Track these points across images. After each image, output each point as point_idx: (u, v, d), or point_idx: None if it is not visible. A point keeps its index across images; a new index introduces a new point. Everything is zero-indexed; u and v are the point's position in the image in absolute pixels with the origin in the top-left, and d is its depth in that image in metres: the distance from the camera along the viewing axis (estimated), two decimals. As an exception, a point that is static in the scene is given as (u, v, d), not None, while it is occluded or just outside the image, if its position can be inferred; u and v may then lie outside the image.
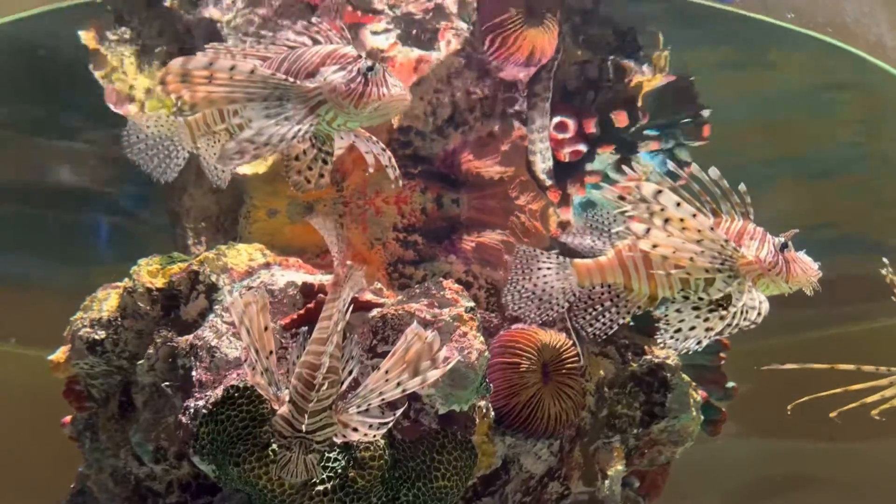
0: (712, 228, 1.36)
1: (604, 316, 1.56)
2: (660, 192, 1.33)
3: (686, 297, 1.45)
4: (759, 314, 1.38)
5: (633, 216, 1.37)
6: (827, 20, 1.63)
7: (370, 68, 1.37)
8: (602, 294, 1.55)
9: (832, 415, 1.59)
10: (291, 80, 1.36)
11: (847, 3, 1.66)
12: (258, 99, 1.34)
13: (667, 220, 1.35)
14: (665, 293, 1.47)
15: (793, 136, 2.31)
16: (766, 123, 2.26)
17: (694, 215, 1.35)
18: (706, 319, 1.41)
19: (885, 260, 1.57)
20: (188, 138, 1.57)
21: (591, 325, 1.56)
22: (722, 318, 1.40)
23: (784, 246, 1.42)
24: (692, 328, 1.42)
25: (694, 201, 1.40)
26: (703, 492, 3.19)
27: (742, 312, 1.38)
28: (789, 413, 1.60)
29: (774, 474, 3.18)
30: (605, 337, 1.58)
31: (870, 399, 1.58)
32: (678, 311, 1.45)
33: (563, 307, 1.58)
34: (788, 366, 1.54)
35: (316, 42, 1.43)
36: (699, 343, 1.42)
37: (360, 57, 1.39)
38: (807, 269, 1.43)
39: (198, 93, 1.30)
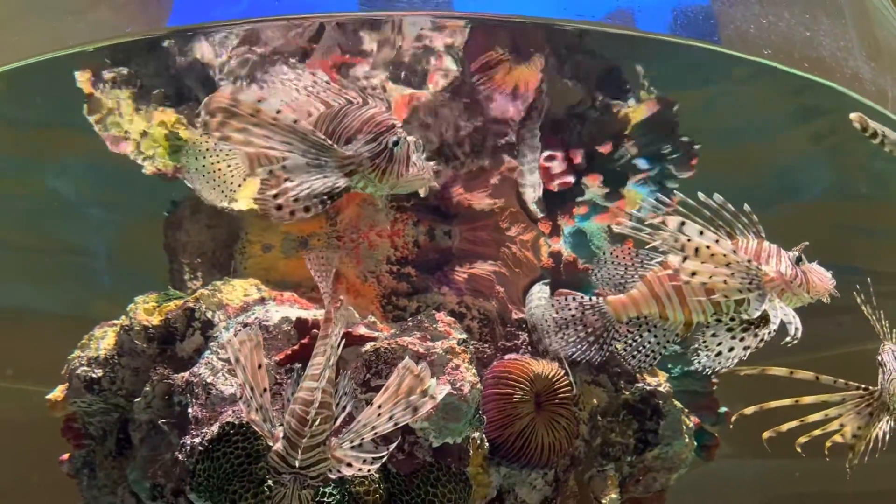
0: (734, 251, 1.42)
1: (644, 347, 1.61)
2: (683, 223, 1.40)
3: (719, 321, 1.51)
4: (796, 328, 1.43)
5: (665, 249, 1.43)
6: (803, 55, 1.68)
7: (395, 143, 1.42)
8: (640, 326, 1.60)
9: (800, 442, 1.61)
10: (330, 143, 1.41)
11: (823, 38, 1.71)
12: (297, 153, 1.37)
13: (696, 250, 1.40)
14: (699, 318, 1.52)
15: (762, 164, 2.38)
16: (739, 152, 2.32)
17: (717, 241, 1.41)
18: (742, 339, 1.45)
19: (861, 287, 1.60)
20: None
21: (633, 358, 1.62)
22: (756, 335, 1.45)
23: (799, 259, 1.49)
24: (731, 349, 1.47)
25: (707, 227, 1.46)
26: None
27: (775, 328, 1.43)
28: (765, 439, 1.61)
29: (782, 494, 3.17)
30: (650, 368, 1.64)
31: (824, 426, 1.60)
32: (714, 335, 1.49)
33: (609, 345, 1.62)
34: (746, 370, 1.56)
35: (363, 99, 1.48)
36: (736, 360, 1.48)
37: (393, 126, 1.44)
38: (823, 279, 1.50)
39: (238, 130, 1.32)
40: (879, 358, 1.60)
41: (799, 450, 1.61)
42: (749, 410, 1.62)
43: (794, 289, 1.46)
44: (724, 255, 1.41)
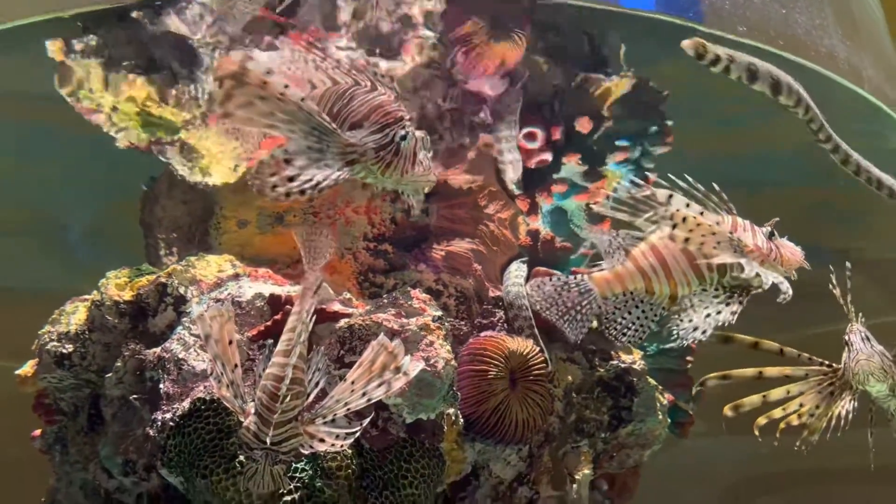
0: (718, 223, 1.45)
1: (634, 323, 1.62)
2: (671, 195, 1.42)
3: (704, 291, 1.53)
4: (787, 287, 1.46)
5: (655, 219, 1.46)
6: (778, 33, 1.67)
7: (404, 137, 1.36)
8: (627, 302, 1.60)
9: (759, 423, 1.62)
10: (335, 127, 1.34)
11: (799, 15, 1.70)
12: (299, 134, 1.31)
13: (683, 220, 1.43)
14: (684, 291, 1.54)
15: (735, 144, 2.39)
16: (712, 132, 2.32)
17: (701, 213, 1.44)
18: (728, 305, 1.47)
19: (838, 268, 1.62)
20: None
21: (623, 335, 1.62)
22: (741, 303, 1.48)
23: (771, 234, 1.52)
24: (707, 317, 1.49)
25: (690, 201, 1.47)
26: (694, 493, 3.24)
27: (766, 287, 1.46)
28: (727, 417, 1.63)
29: (765, 472, 3.22)
30: (639, 343, 1.65)
31: (784, 405, 1.62)
32: (700, 301, 1.51)
33: (591, 322, 1.64)
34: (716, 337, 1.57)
35: (371, 83, 1.40)
36: (719, 326, 1.50)
37: (402, 119, 1.37)
38: (795, 253, 1.53)
39: (243, 105, 1.25)
40: (847, 337, 1.62)
41: (756, 432, 1.62)
42: (712, 379, 1.63)
43: (769, 262, 1.48)
44: (710, 227, 1.43)
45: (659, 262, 1.53)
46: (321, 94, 1.40)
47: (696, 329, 1.51)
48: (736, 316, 1.48)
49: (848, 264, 1.63)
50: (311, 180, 1.33)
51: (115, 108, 2.00)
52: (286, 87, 1.27)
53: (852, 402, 1.57)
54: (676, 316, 1.53)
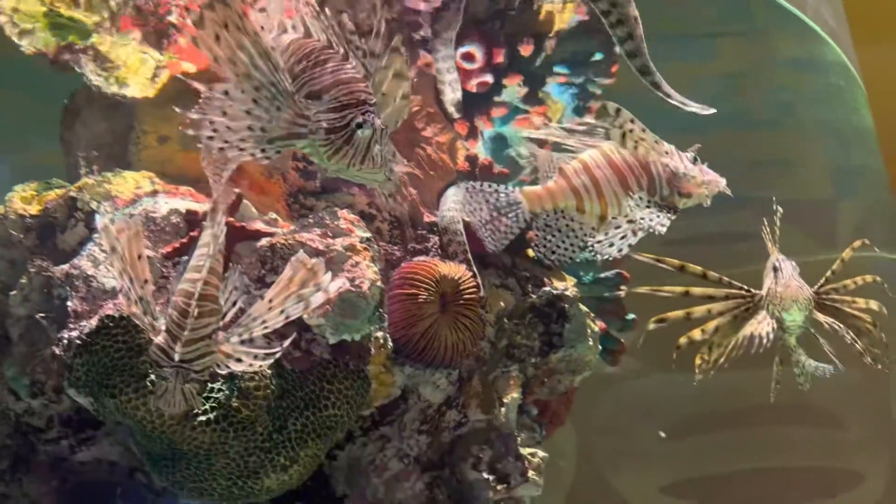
0: (657, 142, 1.48)
1: (563, 242, 1.60)
2: (619, 109, 1.44)
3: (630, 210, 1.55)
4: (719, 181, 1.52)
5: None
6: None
7: (360, 125, 1.19)
8: (557, 220, 1.58)
9: (680, 342, 1.64)
10: (293, 91, 1.18)
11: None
12: (250, 84, 1.15)
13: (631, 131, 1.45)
14: (614, 211, 1.54)
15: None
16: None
17: (643, 130, 1.46)
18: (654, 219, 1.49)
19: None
20: None
21: (552, 254, 1.60)
22: (667, 215, 1.52)
23: (694, 160, 1.54)
24: (623, 236, 1.49)
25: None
26: (641, 428, 3.33)
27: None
28: (678, 349, 1.64)
29: (711, 408, 3.32)
30: (568, 263, 1.63)
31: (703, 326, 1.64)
32: (630, 217, 1.53)
33: (514, 235, 1.61)
34: (643, 257, 1.58)
35: (344, 52, 1.23)
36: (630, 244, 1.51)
37: (365, 102, 1.20)
38: (717, 179, 1.55)
39: (210, 33, 1.10)
40: (776, 263, 1.63)
41: (674, 356, 1.64)
42: (643, 289, 1.64)
43: (695, 183, 1.49)
44: (653, 141, 1.46)
45: (591, 180, 1.51)
46: (287, 44, 1.24)
47: (611, 245, 1.51)
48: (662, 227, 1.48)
49: (775, 202, 1.64)
50: (235, 144, 1.17)
51: (16, 9, 1.84)
52: (255, 34, 1.12)
53: (770, 326, 1.59)
54: (610, 229, 1.52)
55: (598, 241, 1.51)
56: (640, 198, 1.49)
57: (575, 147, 1.52)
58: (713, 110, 1.43)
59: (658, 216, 1.48)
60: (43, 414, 1.67)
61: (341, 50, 1.25)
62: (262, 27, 1.19)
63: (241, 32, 1.12)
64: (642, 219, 1.49)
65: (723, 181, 1.53)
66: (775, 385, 1.69)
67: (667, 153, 1.49)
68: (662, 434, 3.12)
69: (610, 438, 3.32)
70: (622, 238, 1.50)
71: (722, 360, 1.61)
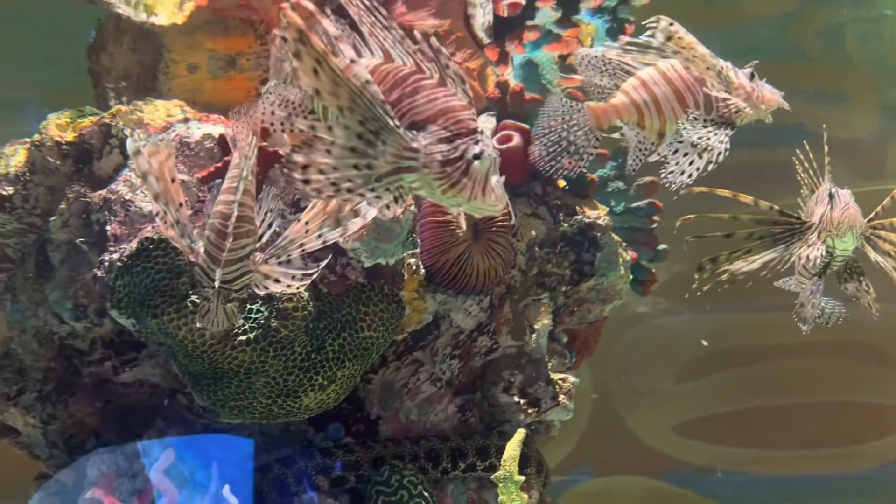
0: (712, 55, 1.43)
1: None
2: (672, 23, 1.39)
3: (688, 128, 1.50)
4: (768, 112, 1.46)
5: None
6: None
7: (477, 156, 1.08)
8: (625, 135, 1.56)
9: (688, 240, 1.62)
10: (397, 123, 1.07)
11: None
12: (351, 123, 1.06)
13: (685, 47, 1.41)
14: (672, 127, 1.50)
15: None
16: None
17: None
18: (715, 140, 1.47)
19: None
20: None
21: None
22: (727, 135, 1.46)
23: (752, 76, 1.49)
24: (692, 162, 1.48)
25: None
26: (657, 366, 3.35)
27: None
28: (699, 270, 1.62)
29: (723, 348, 3.32)
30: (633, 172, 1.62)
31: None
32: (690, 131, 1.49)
33: (591, 154, 1.54)
34: (697, 189, 1.55)
35: (442, 77, 1.11)
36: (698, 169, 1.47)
37: (476, 130, 1.09)
38: (775, 94, 1.49)
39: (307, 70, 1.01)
40: (832, 190, 1.59)
41: (695, 276, 1.63)
42: (690, 217, 1.62)
43: (753, 98, 1.46)
44: (708, 57, 1.41)
45: (650, 96, 1.47)
46: (377, 72, 1.12)
47: (682, 173, 1.48)
48: (726, 147, 1.45)
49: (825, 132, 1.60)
50: (343, 185, 1.07)
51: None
52: (352, 61, 1.02)
53: (820, 250, 1.56)
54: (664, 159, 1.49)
55: (670, 172, 1.48)
56: (697, 117, 1.45)
57: (630, 65, 1.47)
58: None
59: (717, 134, 1.44)
60: (86, 336, 1.71)
61: (435, 75, 1.13)
62: (354, 61, 1.06)
63: (327, 71, 1.02)
64: (704, 138, 1.45)
65: (780, 96, 1.49)
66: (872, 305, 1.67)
67: (723, 69, 1.44)
68: (705, 343, 3.13)
69: (628, 377, 3.36)
70: (690, 163, 1.47)
71: (748, 268, 1.59)
